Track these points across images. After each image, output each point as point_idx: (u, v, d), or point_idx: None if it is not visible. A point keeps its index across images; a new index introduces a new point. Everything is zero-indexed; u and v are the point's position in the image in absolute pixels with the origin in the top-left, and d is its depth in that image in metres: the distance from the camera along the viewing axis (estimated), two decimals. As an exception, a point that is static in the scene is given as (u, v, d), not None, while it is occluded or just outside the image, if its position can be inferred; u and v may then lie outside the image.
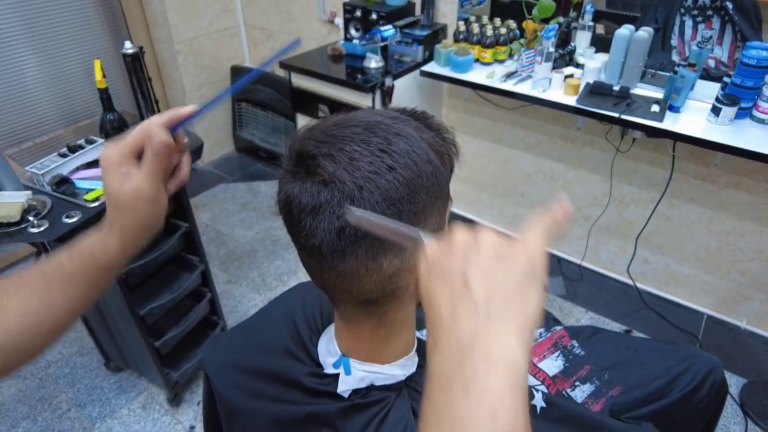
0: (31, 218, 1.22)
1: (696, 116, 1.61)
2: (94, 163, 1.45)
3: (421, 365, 0.64)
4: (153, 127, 0.49)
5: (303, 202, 0.47)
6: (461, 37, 1.99)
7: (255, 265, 2.40)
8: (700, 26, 1.72)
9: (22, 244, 2.33)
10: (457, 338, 0.34)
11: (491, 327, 0.33)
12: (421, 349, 0.66)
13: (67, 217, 1.23)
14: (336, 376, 0.61)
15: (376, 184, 0.46)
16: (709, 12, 1.68)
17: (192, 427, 1.70)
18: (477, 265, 0.35)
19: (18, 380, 1.87)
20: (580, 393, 0.96)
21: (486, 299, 0.34)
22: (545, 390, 0.92)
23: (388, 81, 1.97)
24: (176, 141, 0.51)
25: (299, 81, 2.21)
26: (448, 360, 0.34)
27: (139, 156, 0.49)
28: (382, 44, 2.03)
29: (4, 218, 1.19)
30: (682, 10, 1.72)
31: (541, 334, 1.07)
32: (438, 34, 2.15)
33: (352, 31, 2.20)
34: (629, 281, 2.21)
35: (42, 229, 1.21)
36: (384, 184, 0.46)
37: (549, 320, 1.14)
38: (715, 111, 1.55)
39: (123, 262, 0.53)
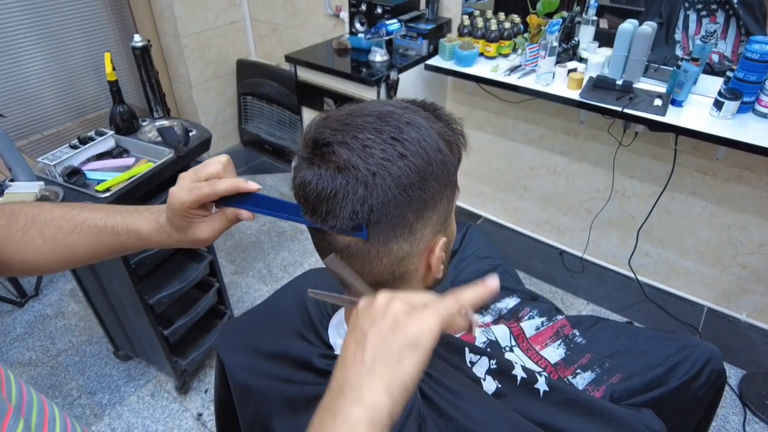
0: (44, 208, 1.24)
1: (698, 110, 1.62)
2: (104, 155, 1.47)
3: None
4: (236, 212, 0.56)
5: (318, 187, 0.50)
6: (465, 31, 2.00)
7: (261, 257, 2.43)
8: (704, 20, 1.73)
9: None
10: (345, 378, 0.42)
11: (368, 379, 0.41)
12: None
13: (80, 207, 1.26)
14: None
15: (388, 170, 0.48)
16: (714, 6, 1.69)
17: (200, 415, 1.74)
18: (377, 329, 0.43)
19: (29, 368, 1.90)
20: (581, 380, 0.98)
21: (372, 358, 0.42)
22: (548, 376, 0.94)
23: (392, 75, 1.99)
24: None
25: (305, 74, 2.23)
26: (333, 394, 0.42)
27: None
28: (387, 38, 2.04)
29: (18, 208, 1.22)
30: (687, 5, 1.73)
31: (543, 323, 1.10)
32: (442, 28, 2.16)
33: (357, 25, 2.21)
34: (630, 274, 2.23)
35: (55, 218, 1.23)
36: (396, 170, 0.49)
37: (551, 310, 1.16)
38: (718, 105, 1.56)
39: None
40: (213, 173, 0.54)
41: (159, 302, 1.54)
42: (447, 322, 0.44)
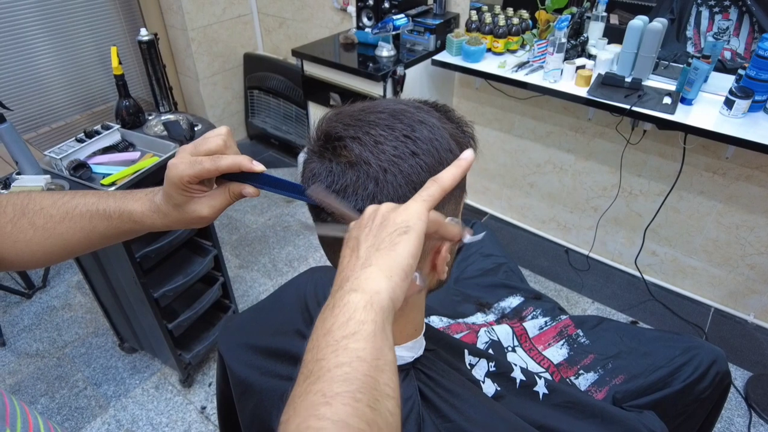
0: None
1: (708, 109, 1.60)
2: (110, 149, 1.48)
3: (429, 349, 0.66)
4: (241, 185, 0.54)
5: (328, 181, 0.50)
6: (473, 26, 1.99)
7: (266, 251, 2.43)
8: (717, 17, 1.70)
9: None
10: (340, 280, 0.42)
11: (364, 270, 0.41)
12: (428, 333, 0.68)
13: (85, 201, 1.26)
14: None
15: (399, 168, 0.48)
16: (727, 2, 1.66)
17: (203, 408, 1.75)
18: (368, 231, 0.43)
19: (36, 359, 1.93)
20: (584, 381, 0.97)
21: (366, 253, 0.42)
22: (549, 377, 0.94)
23: (399, 70, 1.98)
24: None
25: (311, 69, 2.22)
26: (330, 297, 0.41)
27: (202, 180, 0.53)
28: (394, 33, 2.03)
29: (24, 201, 1.22)
30: (699, 1, 1.71)
31: (546, 322, 1.09)
32: (450, 23, 2.15)
33: (365, 20, 2.20)
34: (636, 273, 2.22)
35: (61, 212, 1.24)
36: (407, 168, 0.48)
37: (555, 309, 1.16)
38: (728, 103, 1.54)
39: (153, 231, 0.59)
40: (214, 148, 0.51)
41: (164, 296, 1.54)
42: (431, 202, 0.45)
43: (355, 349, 0.36)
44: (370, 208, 0.45)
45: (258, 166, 0.53)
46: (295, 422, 0.33)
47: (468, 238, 0.49)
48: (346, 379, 0.35)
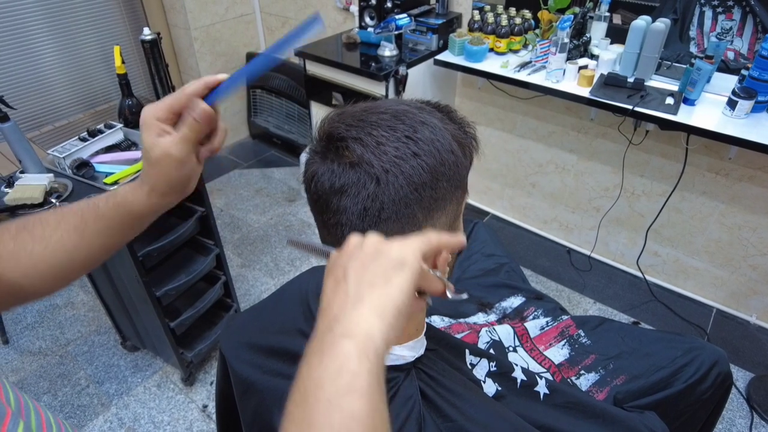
0: (53, 200, 1.26)
1: (711, 109, 1.60)
2: (113, 148, 1.48)
3: (430, 348, 0.66)
4: (194, 98, 0.50)
5: (330, 181, 0.50)
6: (476, 26, 1.99)
7: (268, 250, 2.44)
8: (720, 17, 1.70)
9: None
10: (328, 319, 0.38)
11: (355, 308, 0.37)
12: (430, 332, 0.68)
13: (88, 198, 1.27)
14: None
15: (401, 168, 0.48)
16: (730, 2, 1.66)
17: (205, 406, 1.75)
18: (356, 260, 0.40)
19: (39, 356, 1.93)
20: (585, 381, 0.97)
21: (356, 287, 0.38)
22: (550, 377, 0.94)
23: (401, 69, 1.98)
24: (213, 110, 0.52)
25: (314, 68, 2.23)
26: (317, 337, 0.38)
27: (176, 118, 0.51)
28: (396, 33, 2.03)
29: (27, 200, 1.23)
30: (702, 1, 1.70)
31: (547, 323, 1.09)
32: (452, 23, 2.15)
33: (367, 19, 2.20)
34: (638, 273, 2.21)
35: (64, 210, 1.24)
36: (408, 169, 0.49)
37: (556, 310, 1.16)
38: (731, 104, 1.54)
39: (151, 214, 0.56)
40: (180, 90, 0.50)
41: (166, 294, 1.55)
42: (427, 248, 0.42)
43: (350, 409, 0.33)
44: (355, 237, 0.43)
45: (220, 75, 0.51)
46: None
47: (450, 295, 0.45)
48: None
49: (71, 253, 0.54)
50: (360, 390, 0.34)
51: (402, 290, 0.38)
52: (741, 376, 1.81)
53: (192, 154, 0.53)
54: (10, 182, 1.29)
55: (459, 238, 0.45)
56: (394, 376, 0.62)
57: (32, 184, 1.27)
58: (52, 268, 0.54)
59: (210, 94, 0.51)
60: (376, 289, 0.38)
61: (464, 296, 0.46)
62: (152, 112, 0.49)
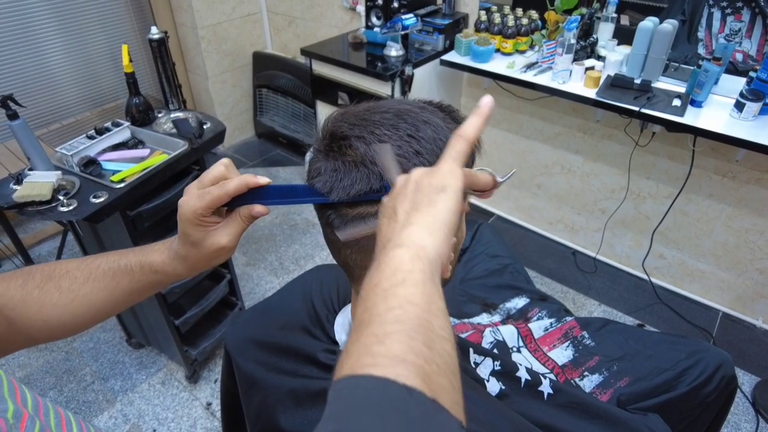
0: (60, 197, 1.27)
1: (718, 111, 1.59)
2: (120, 145, 1.49)
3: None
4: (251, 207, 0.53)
5: (333, 179, 0.50)
6: (482, 26, 1.98)
7: (273, 249, 2.44)
8: (729, 18, 1.69)
9: (51, 222, 2.42)
10: (381, 242, 0.41)
11: (405, 230, 0.39)
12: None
13: (95, 197, 1.28)
14: None
15: (403, 167, 0.49)
16: (739, 4, 1.65)
17: (209, 404, 1.76)
18: (404, 197, 0.42)
19: (45, 352, 1.95)
20: (589, 383, 0.97)
21: (405, 215, 0.41)
22: (554, 378, 0.94)
23: (407, 70, 1.98)
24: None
25: (320, 68, 2.23)
26: (374, 260, 0.40)
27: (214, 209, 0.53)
28: (402, 33, 2.03)
29: (36, 197, 1.24)
30: (711, 2, 1.69)
31: (552, 324, 1.09)
32: (459, 23, 2.15)
33: (374, 19, 2.20)
34: (644, 275, 2.20)
35: (71, 208, 1.25)
36: (411, 168, 0.49)
37: (560, 311, 1.15)
38: (739, 106, 1.53)
39: (181, 280, 0.59)
40: (218, 176, 0.52)
41: (171, 292, 1.56)
42: (462, 158, 0.43)
43: (405, 294, 0.35)
44: (402, 177, 0.44)
45: (263, 179, 0.53)
46: (348, 364, 0.31)
47: (500, 178, 0.48)
48: (399, 320, 0.33)
49: (97, 308, 0.56)
50: (414, 281, 0.35)
51: (448, 209, 0.40)
52: (747, 380, 1.79)
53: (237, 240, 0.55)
54: (18, 179, 1.30)
55: (479, 115, 0.46)
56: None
57: (40, 181, 1.28)
58: (75, 318, 0.55)
59: (247, 194, 0.53)
60: (422, 212, 0.40)
61: (512, 173, 0.49)
62: (193, 210, 0.51)
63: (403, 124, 0.51)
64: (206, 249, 0.53)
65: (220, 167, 0.52)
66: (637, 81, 1.69)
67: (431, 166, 0.44)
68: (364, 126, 0.51)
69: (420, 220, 0.39)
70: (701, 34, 1.75)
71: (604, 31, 1.87)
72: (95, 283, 0.55)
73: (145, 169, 1.37)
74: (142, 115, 1.56)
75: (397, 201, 0.42)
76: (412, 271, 0.36)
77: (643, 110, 1.59)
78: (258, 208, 0.53)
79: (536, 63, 1.89)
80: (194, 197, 0.51)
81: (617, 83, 1.70)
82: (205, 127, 1.56)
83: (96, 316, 0.57)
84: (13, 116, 1.29)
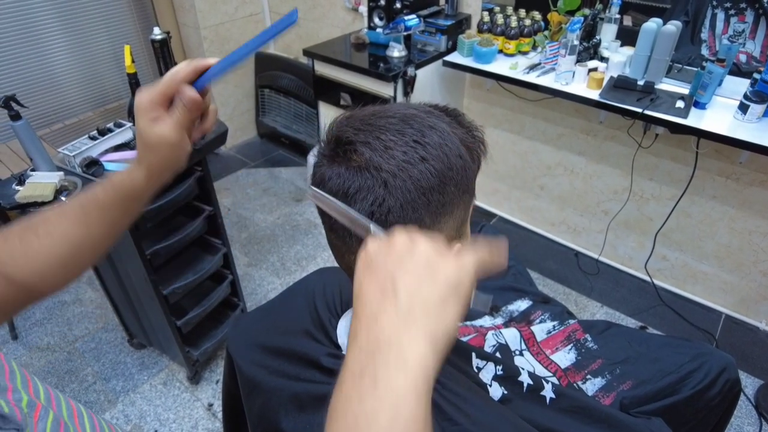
0: (63, 198, 1.27)
1: (722, 113, 1.58)
2: (122, 146, 1.49)
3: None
4: (183, 84, 0.52)
5: (338, 185, 0.50)
6: (485, 27, 1.98)
7: (275, 250, 2.44)
8: (732, 19, 1.68)
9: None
10: (376, 335, 0.36)
11: (409, 331, 0.35)
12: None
13: (97, 197, 1.28)
14: None
15: (408, 173, 0.48)
16: (743, 5, 1.64)
17: (210, 405, 1.76)
18: (407, 271, 0.37)
19: (47, 352, 1.95)
20: (591, 386, 0.97)
21: (409, 305, 0.36)
22: (556, 381, 0.93)
23: (410, 70, 1.98)
24: (202, 94, 0.54)
25: (322, 69, 2.23)
26: (365, 354, 0.36)
27: (168, 102, 0.53)
28: (405, 33, 2.03)
29: (38, 197, 1.24)
30: (714, 3, 1.69)
31: (554, 326, 1.08)
32: (462, 24, 2.14)
33: (376, 20, 2.20)
34: (646, 277, 2.20)
35: (73, 208, 1.25)
36: (416, 173, 0.49)
37: (563, 313, 1.15)
38: (743, 108, 1.52)
39: (148, 194, 0.58)
40: (175, 70, 0.52)
41: (173, 293, 1.56)
42: (481, 259, 0.40)
43: (396, 415, 0.33)
44: (404, 237, 0.40)
45: (210, 60, 0.52)
46: None
47: (480, 306, 0.44)
48: None
49: (78, 244, 0.56)
50: (406, 415, 0.33)
51: (455, 317, 0.37)
52: (750, 383, 1.79)
53: (185, 136, 0.55)
54: (21, 180, 1.30)
55: (501, 259, 0.42)
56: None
57: (43, 182, 1.28)
58: (62, 260, 0.55)
59: (199, 78, 0.53)
60: (432, 315, 0.36)
61: (490, 299, 0.45)
62: (146, 98, 0.51)
63: (409, 130, 0.50)
64: (155, 144, 0.52)
65: (181, 64, 0.52)
66: (641, 82, 1.68)
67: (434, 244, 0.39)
68: (369, 131, 0.50)
69: (428, 326, 0.35)
70: (705, 35, 1.75)
71: (607, 33, 1.86)
72: (68, 221, 0.55)
73: (147, 170, 1.37)
74: (144, 116, 1.55)
75: (397, 271, 0.38)
76: (415, 421, 0.33)
77: (647, 112, 1.58)
78: (188, 91, 0.51)
79: (539, 64, 1.88)
80: (147, 89, 0.51)
81: (620, 85, 1.70)
82: (207, 127, 1.55)
83: (80, 255, 0.57)
84: (15, 117, 1.29)
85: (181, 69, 0.51)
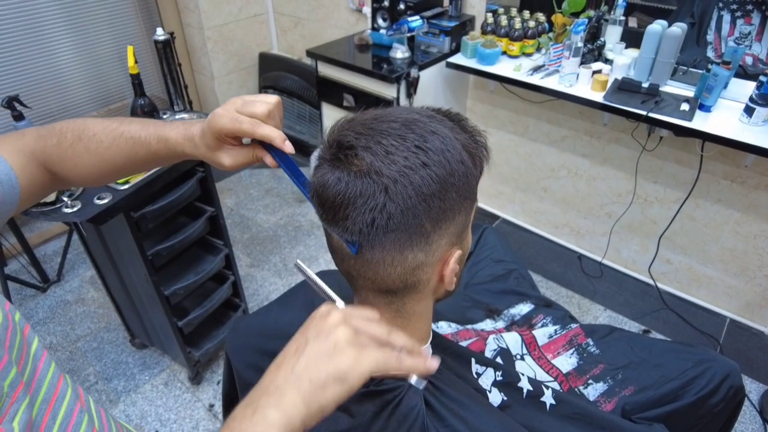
0: (65, 198, 1.27)
1: (728, 116, 1.57)
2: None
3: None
4: (266, 154, 0.59)
5: (339, 190, 0.49)
6: (489, 29, 1.97)
7: (277, 250, 2.44)
8: (739, 21, 1.67)
9: (57, 222, 2.42)
10: (272, 379, 0.44)
11: (292, 389, 0.43)
12: (435, 340, 0.67)
13: (98, 198, 1.28)
14: None
15: (410, 179, 0.48)
16: (749, 6, 1.63)
17: (211, 405, 1.76)
18: (316, 346, 0.45)
19: (49, 352, 1.93)
20: (593, 391, 0.96)
21: (301, 372, 0.44)
22: (557, 386, 0.93)
23: (413, 72, 1.97)
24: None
25: (325, 70, 2.23)
26: (259, 391, 0.44)
27: (239, 139, 0.59)
28: (408, 35, 2.02)
29: (40, 198, 1.24)
30: (720, 4, 1.67)
31: (556, 331, 1.08)
32: (465, 25, 2.14)
33: (380, 21, 2.20)
34: (650, 281, 2.18)
35: (75, 209, 1.26)
36: (417, 179, 0.48)
37: (565, 317, 1.14)
38: (749, 111, 1.51)
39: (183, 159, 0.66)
40: (258, 114, 0.55)
41: (174, 293, 1.56)
42: (382, 368, 0.45)
43: None
44: (336, 317, 0.46)
45: (288, 147, 0.56)
46: None
47: (413, 382, 0.48)
48: None
49: (117, 169, 0.65)
50: None
51: (331, 400, 0.43)
52: (754, 389, 1.77)
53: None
54: (23, 180, 1.30)
55: (420, 366, 0.47)
56: (398, 386, 0.61)
57: (45, 182, 1.29)
58: (101, 175, 0.65)
59: (287, 161, 0.58)
60: (314, 388, 0.43)
61: (422, 386, 0.49)
62: (220, 128, 0.55)
63: (411, 135, 0.50)
64: (211, 157, 0.60)
65: (264, 107, 0.55)
66: (645, 85, 1.67)
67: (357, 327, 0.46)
68: (370, 136, 0.50)
69: (306, 392, 0.42)
70: (710, 37, 1.73)
71: (612, 34, 1.85)
72: (118, 149, 0.62)
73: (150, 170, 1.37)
74: (147, 116, 1.56)
75: (313, 343, 0.45)
76: (272, 427, 0.41)
77: (651, 114, 1.57)
78: (270, 159, 0.58)
79: (543, 66, 1.87)
80: (228, 118, 0.55)
81: (625, 87, 1.69)
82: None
83: (119, 173, 0.66)
84: (18, 117, 1.29)
85: (264, 132, 0.55)
